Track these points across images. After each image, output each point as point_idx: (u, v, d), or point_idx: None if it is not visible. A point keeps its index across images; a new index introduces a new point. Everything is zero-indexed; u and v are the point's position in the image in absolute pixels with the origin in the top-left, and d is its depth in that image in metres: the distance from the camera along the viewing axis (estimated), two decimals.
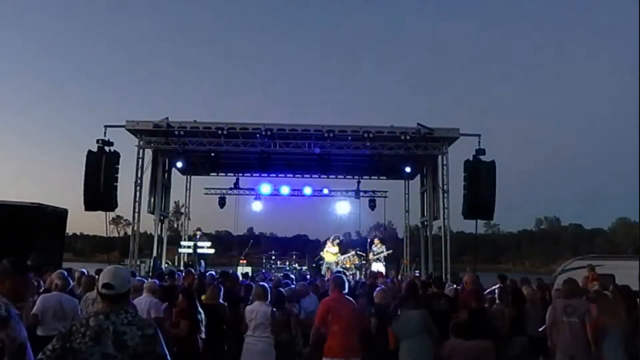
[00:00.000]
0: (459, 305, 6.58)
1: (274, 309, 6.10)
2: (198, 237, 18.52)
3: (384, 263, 18.04)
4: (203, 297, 6.86)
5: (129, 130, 15.34)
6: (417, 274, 16.91)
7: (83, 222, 77.08)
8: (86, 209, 14.42)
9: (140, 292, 6.69)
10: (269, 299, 6.20)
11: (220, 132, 15.12)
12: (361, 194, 21.54)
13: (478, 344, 5.31)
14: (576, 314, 5.94)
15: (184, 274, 9.96)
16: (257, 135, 15.43)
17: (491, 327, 6.05)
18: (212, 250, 18.51)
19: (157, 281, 7.30)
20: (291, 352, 6.36)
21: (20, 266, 3.02)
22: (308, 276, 15.39)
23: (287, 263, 20.33)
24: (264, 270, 18.26)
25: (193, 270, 11.12)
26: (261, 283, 7.56)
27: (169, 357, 2.83)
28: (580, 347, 5.86)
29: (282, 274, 12.68)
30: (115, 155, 14.63)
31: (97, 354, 2.58)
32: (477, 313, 5.86)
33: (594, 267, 9.74)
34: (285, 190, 20.34)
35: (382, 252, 17.96)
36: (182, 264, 18.70)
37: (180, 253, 19.49)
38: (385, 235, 43.04)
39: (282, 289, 7.25)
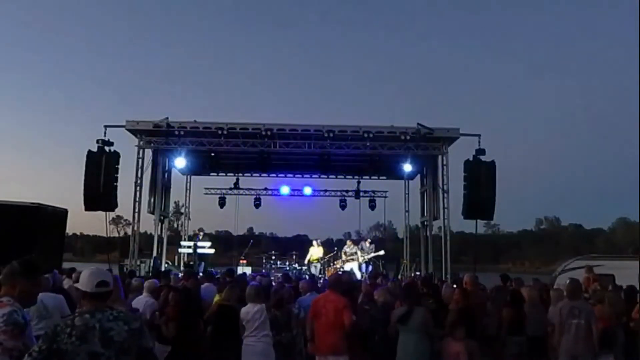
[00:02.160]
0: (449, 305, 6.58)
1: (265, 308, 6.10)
2: (200, 237, 18.54)
3: (359, 262, 18.10)
4: (216, 297, 6.85)
5: (129, 130, 15.34)
6: (418, 274, 16.92)
7: (83, 222, 77.11)
8: (86, 209, 14.42)
9: (140, 291, 6.69)
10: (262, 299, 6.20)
11: (220, 132, 15.12)
12: (361, 194, 21.56)
13: (465, 343, 5.34)
14: (582, 315, 5.93)
15: (181, 274, 9.92)
16: (257, 135, 15.44)
17: (479, 326, 6.05)
18: (212, 251, 18.52)
19: (156, 281, 7.32)
20: (291, 352, 6.35)
21: (32, 268, 2.97)
22: (306, 276, 15.36)
23: (287, 263, 20.31)
24: (264, 271, 18.24)
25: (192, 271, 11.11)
26: (253, 283, 7.56)
27: (154, 351, 2.88)
28: (584, 348, 5.86)
29: (281, 274, 12.68)
30: (115, 155, 14.63)
31: (84, 353, 2.57)
32: (463, 313, 5.87)
33: (592, 267, 9.73)
34: (285, 190, 20.58)
35: (355, 252, 18.08)
36: (182, 264, 18.70)
37: (180, 253, 19.49)
38: (385, 235, 43.09)
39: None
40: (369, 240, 19.18)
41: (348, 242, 18.84)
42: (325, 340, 5.56)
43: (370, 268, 16.79)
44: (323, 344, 5.58)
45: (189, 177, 21.44)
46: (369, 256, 17.62)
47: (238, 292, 6.58)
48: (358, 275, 16.21)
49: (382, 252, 17.98)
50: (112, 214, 15.33)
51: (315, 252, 18.46)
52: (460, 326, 5.44)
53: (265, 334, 5.84)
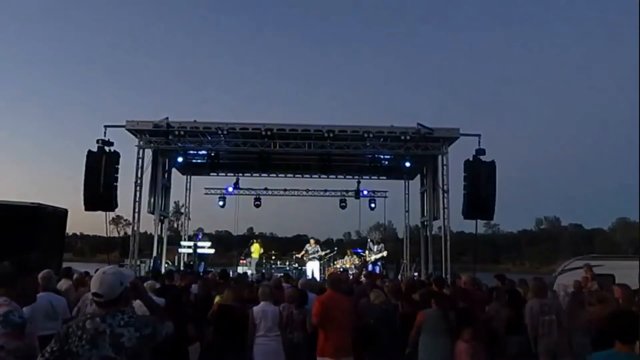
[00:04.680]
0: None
1: (280, 308, 6.14)
2: (199, 237, 18.58)
3: (320, 262, 18.35)
4: (217, 297, 6.86)
5: (129, 130, 15.33)
6: (416, 275, 16.93)
7: (83, 222, 77.21)
8: (86, 209, 14.43)
9: None
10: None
11: (220, 132, 15.12)
12: (361, 194, 21.57)
13: (471, 344, 5.34)
14: (552, 311, 6.07)
15: (180, 274, 9.89)
16: (257, 135, 15.44)
17: (479, 327, 6.06)
18: (212, 251, 18.56)
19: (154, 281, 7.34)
20: (300, 352, 6.34)
21: (25, 266, 2.96)
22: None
23: (287, 263, 20.34)
24: (263, 270, 18.27)
25: (190, 271, 11.09)
26: (265, 283, 7.55)
27: (168, 333, 2.83)
28: (560, 343, 5.97)
29: (281, 274, 12.69)
30: (115, 155, 14.63)
31: (95, 357, 2.57)
32: (463, 313, 5.89)
33: (591, 266, 9.71)
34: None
35: (317, 251, 18.13)
36: (182, 264, 18.72)
37: (180, 253, 19.50)
38: (385, 235, 43.11)
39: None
40: (373, 240, 19.23)
41: (311, 241, 18.92)
42: (337, 342, 5.38)
43: (377, 269, 16.83)
44: (334, 346, 5.37)
45: (189, 177, 21.46)
46: (375, 257, 17.65)
47: (237, 292, 6.59)
48: (317, 275, 16.33)
49: (385, 253, 18.05)
50: (112, 214, 15.34)
51: (255, 249, 19.02)
52: (467, 327, 5.44)
53: (277, 333, 5.87)
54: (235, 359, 6.07)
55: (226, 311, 6.18)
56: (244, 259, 20.18)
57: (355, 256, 18.72)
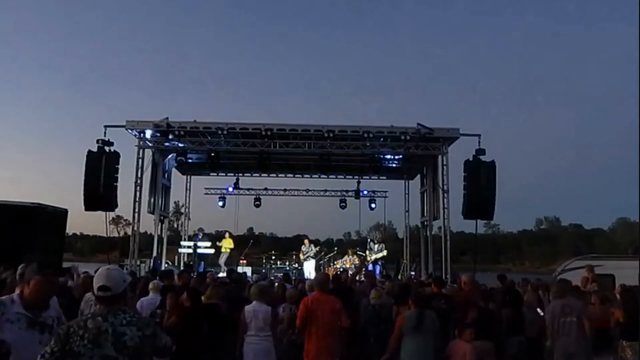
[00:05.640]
0: (460, 305, 6.56)
1: (274, 308, 6.13)
2: (200, 237, 18.58)
3: (318, 261, 18.36)
4: (202, 297, 6.87)
5: (129, 130, 15.34)
6: (413, 274, 16.94)
7: (83, 222, 77.23)
8: (86, 209, 14.42)
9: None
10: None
11: (220, 132, 15.10)
12: (361, 194, 21.57)
13: (481, 345, 5.30)
14: (574, 313, 6.01)
15: (177, 273, 9.88)
16: (257, 135, 15.43)
17: (495, 327, 6.06)
18: (212, 251, 18.55)
19: (159, 281, 7.38)
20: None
21: (41, 268, 3.03)
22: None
23: (287, 263, 20.34)
24: (263, 271, 18.27)
25: (189, 271, 11.06)
26: (260, 282, 7.55)
27: (169, 344, 2.86)
28: (579, 345, 5.94)
29: (281, 274, 12.70)
30: (115, 155, 14.62)
31: (97, 356, 2.58)
32: (485, 314, 5.86)
33: (593, 267, 9.71)
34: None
35: (312, 249, 18.16)
36: (182, 264, 18.72)
37: (180, 253, 19.50)
38: (385, 235, 43.14)
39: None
40: (374, 239, 19.21)
41: (305, 242, 18.91)
42: (322, 344, 5.35)
43: (377, 268, 16.83)
44: (319, 348, 5.35)
45: (189, 177, 21.46)
46: (376, 256, 17.64)
47: (218, 291, 6.59)
48: (313, 274, 16.29)
49: (385, 253, 18.05)
50: (112, 214, 15.34)
51: (227, 243, 18.85)
52: (469, 327, 5.41)
53: (268, 333, 5.86)
54: (225, 357, 6.07)
55: (210, 310, 6.17)
56: (244, 259, 20.19)
57: (355, 256, 18.71)
